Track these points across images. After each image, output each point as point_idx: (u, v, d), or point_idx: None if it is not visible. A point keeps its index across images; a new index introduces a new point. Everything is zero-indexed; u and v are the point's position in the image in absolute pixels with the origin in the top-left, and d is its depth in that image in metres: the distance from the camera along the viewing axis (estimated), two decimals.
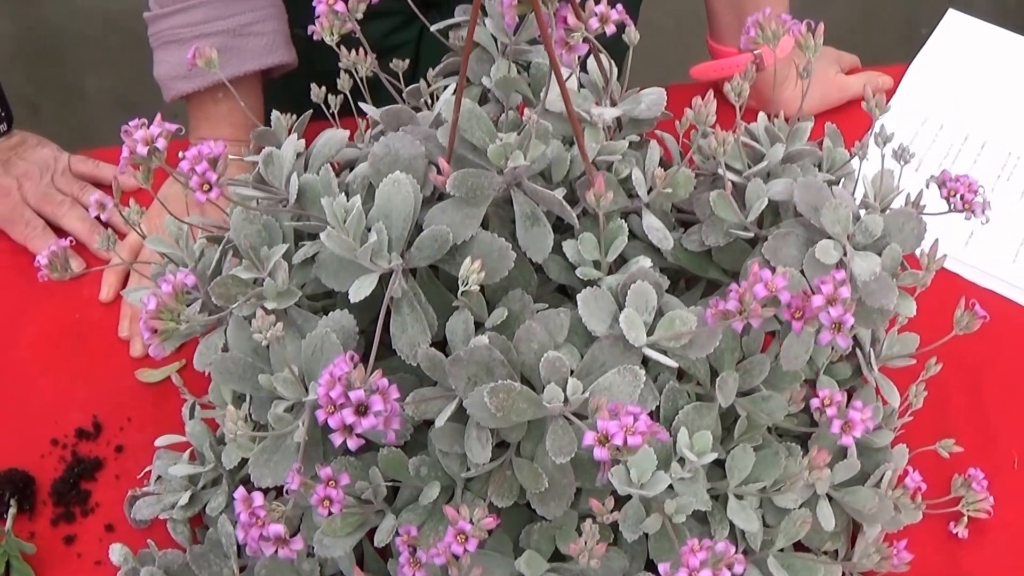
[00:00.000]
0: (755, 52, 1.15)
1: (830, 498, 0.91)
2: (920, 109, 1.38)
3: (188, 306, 0.83)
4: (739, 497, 0.85)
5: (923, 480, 0.91)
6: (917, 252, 0.87)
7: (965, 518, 1.01)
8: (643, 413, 0.66)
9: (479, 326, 0.80)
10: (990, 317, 1.17)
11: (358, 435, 0.68)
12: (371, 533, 0.85)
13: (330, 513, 0.72)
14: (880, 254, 0.83)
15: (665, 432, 0.68)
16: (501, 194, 0.81)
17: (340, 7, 0.88)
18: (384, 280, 0.78)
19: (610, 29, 0.83)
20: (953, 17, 1.50)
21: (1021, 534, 1.03)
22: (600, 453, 0.66)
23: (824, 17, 2.84)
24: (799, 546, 0.92)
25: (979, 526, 1.02)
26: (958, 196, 0.88)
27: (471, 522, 0.72)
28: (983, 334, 1.15)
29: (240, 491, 0.71)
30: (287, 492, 0.76)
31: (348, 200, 0.77)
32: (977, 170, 1.31)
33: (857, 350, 0.96)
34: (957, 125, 1.36)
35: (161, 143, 0.77)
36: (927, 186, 0.89)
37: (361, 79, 0.98)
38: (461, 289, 0.75)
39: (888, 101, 1.36)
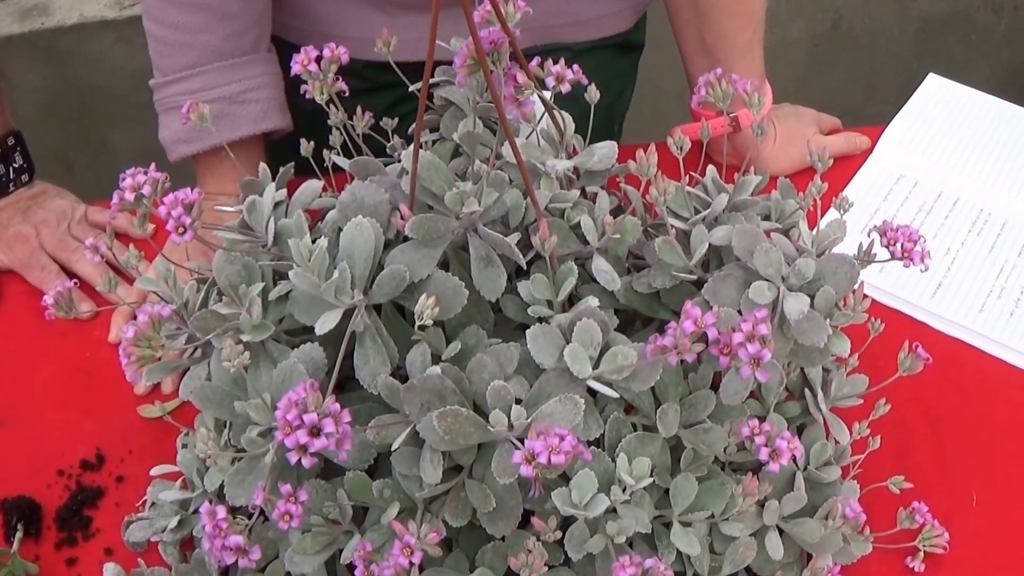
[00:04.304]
0: (730, 114, 1.22)
1: (781, 530, 0.97)
2: (895, 167, 1.44)
3: (174, 339, 0.91)
4: (686, 524, 0.91)
5: (864, 510, 0.95)
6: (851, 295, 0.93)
7: (921, 553, 1.06)
8: (570, 435, 0.73)
9: (438, 359, 0.87)
10: (957, 365, 1.23)
11: (312, 454, 0.75)
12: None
13: (290, 527, 0.79)
14: (814, 296, 0.89)
15: (589, 453, 0.74)
16: (460, 238, 0.89)
17: (313, 68, 0.96)
18: (351, 316, 0.85)
19: (565, 88, 0.90)
20: (933, 80, 1.56)
21: (978, 572, 1.07)
22: (526, 471, 0.72)
23: (825, 83, 2.91)
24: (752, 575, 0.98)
25: (937, 562, 1.07)
26: (898, 244, 0.94)
27: (419, 537, 0.79)
28: (948, 381, 1.21)
29: (205, 505, 0.78)
30: (253, 511, 0.83)
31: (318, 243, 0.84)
32: (948, 225, 1.37)
33: (807, 390, 1.02)
34: (931, 183, 1.42)
35: (147, 190, 0.85)
36: (868, 235, 0.95)
37: (354, 139, 1.05)
38: (418, 323, 0.82)
39: (864, 160, 1.44)
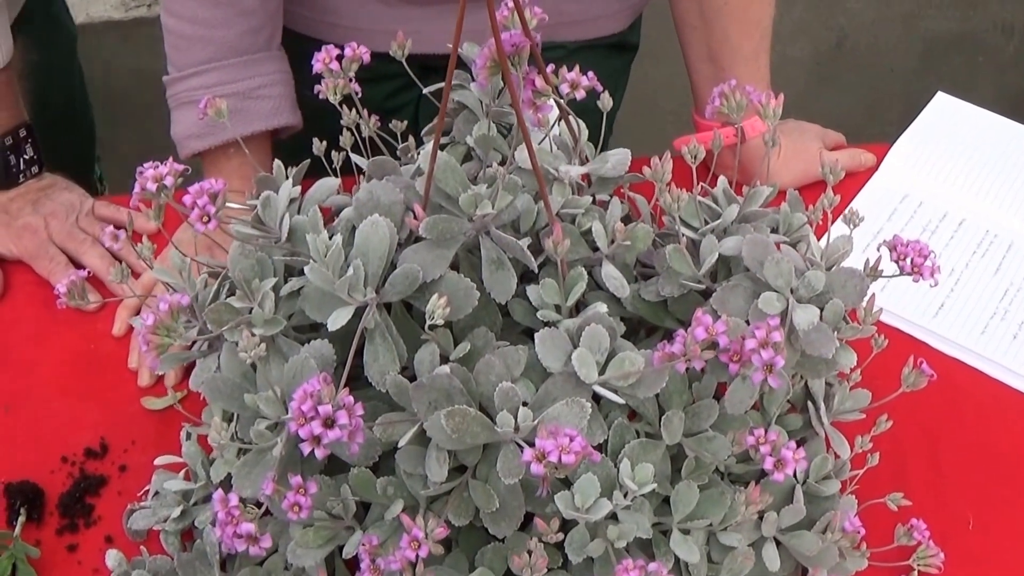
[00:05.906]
0: (736, 125, 1.22)
1: (778, 542, 0.97)
2: (901, 186, 1.44)
3: (186, 331, 0.91)
4: (685, 532, 0.91)
5: (863, 526, 0.96)
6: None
7: (915, 572, 1.06)
8: (579, 435, 0.73)
9: (446, 360, 0.87)
10: (957, 387, 1.24)
11: (324, 446, 0.75)
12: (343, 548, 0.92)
13: (299, 518, 0.80)
14: (823, 308, 0.89)
15: (598, 454, 0.75)
16: (471, 240, 0.89)
17: (335, 66, 0.97)
18: (361, 314, 0.85)
19: (580, 94, 0.91)
20: (941, 99, 1.57)
21: None
22: (536, 468, 0.73)
23: (826, 102, 2.91)
24: None
25: None
26: (908, 260, 0.94)
27: (426, 533, 0.80)
28: (946, 401, 1.21)
29: (218, 492, 0.79)
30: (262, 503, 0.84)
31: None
32: (953, 245, 1.38)
33: (809, 403, 1.02)
34: (937, 202, 1.42)
35: (169, 181, 0.86)
36: (877, 250, 0.95)
37: (363, 139, 1.06)
38: (428, 323, 0.83)
39: (869, 178, 1.45)
